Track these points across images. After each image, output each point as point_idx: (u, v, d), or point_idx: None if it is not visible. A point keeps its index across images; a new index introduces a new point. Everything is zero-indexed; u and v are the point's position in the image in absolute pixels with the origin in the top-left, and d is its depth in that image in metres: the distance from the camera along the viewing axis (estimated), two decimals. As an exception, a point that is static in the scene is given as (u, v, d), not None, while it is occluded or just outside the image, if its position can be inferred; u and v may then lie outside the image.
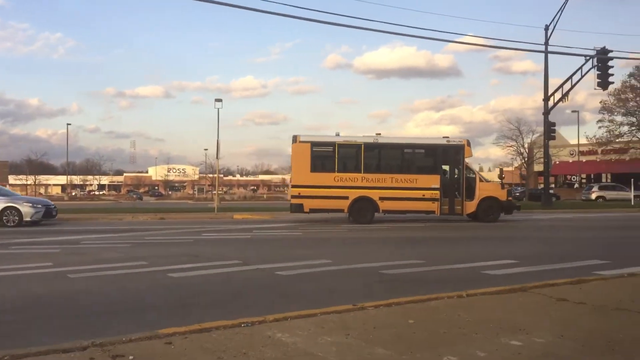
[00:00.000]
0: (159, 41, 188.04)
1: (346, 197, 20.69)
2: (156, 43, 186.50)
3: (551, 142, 35.06)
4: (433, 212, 21.03)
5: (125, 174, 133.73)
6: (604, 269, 9.32)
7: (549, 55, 32.32)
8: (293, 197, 21.22)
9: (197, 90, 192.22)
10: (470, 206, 21.22)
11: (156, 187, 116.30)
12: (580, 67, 30.08)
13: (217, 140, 30.71)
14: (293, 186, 21.12)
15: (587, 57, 28.63)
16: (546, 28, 31.81)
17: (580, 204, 39.71)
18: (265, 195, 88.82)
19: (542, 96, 32.18)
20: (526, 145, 55.15)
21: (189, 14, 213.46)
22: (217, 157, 32.02)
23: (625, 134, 47.99)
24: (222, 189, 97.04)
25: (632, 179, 38.72)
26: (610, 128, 48.51)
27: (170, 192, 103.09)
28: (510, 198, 22.47)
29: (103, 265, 10.13)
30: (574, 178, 64.08)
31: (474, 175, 21.82)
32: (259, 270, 9.46)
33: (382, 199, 20.82)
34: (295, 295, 7.44)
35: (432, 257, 10.83)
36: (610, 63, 28.20)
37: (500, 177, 23.00)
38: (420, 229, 18.82)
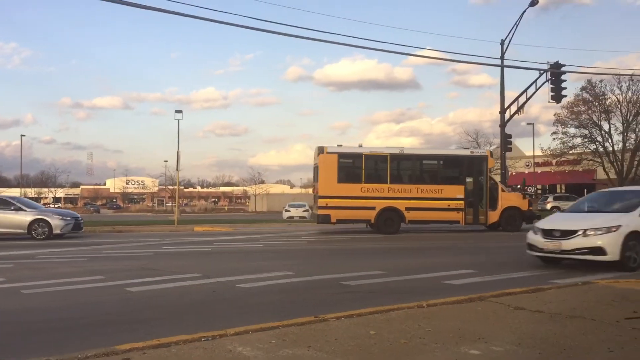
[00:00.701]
0: (117, 52, 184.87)
1: (373, 208, 20.85)
2: (114, 53, 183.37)
3: (508, 154, 35.83)
4: (458, 222, 21.38)
5: (82, 187, 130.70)
6: (559, 277, 9.57)
7: (505, 69, 33.09)
8: (320, 207, 21.07)
9: (156, 102, 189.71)
10: (493, 216, 21.62)
11: (114, 200, 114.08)
12: (535, 81, 30.88)
13: (178, 152, 30.37)
14: (320, 197, 20.95)
15: (541, 71, 29.43)
16: (502, 43, 32.60)
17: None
18: (226, 207, 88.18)
19: (498, 109, 32.86)
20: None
21: (146, 24, 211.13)
22: (177, 169, 31.63)
23: (578, 145, 49.36)
24: (183, 201, 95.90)
25: (585, 189, 39.88)
26: (563, 140, 49.81)
27: (129, 205, 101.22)
28: (530, 208, 22.85)
29: (58, 280, 9.85)
30: (529, 188, 65.59)
31: (496, 186, 22.22)
32: (220, 283, 9.36)
33: (408, 209, 21.00)
34: (257, 308, 7.38)
35: (393, 268, 10.91)
36: (563, 77, 29.09)
37: (523, 187, 23.54)
38: (384, 239, 18.94)
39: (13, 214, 20.14)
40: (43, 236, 19.80)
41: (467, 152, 22.37)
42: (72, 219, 21.22)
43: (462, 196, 21.26)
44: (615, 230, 10.15)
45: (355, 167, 21.38)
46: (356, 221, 21.81)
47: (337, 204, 20.69)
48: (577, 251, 10.35)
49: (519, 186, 24.04)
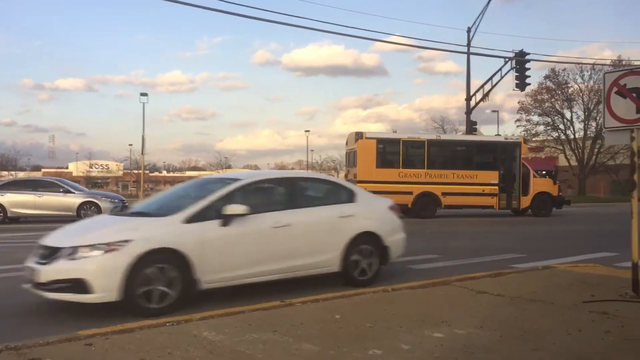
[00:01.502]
0: (81, 33, 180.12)
1: (410, 193, 21.14)
2: (77, 35, 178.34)
3: (473, 141, 36.33)
4: (492, 206, 21.92)
5: (43, 170, 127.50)
6: (520, 262, 9.79)
7: (471, 56, 33.41)
8: None
9: (121, 84, 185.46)
10: (525, 201, 22.14)
11: (77, 184, 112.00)
12: (500, 69, 31.29)
13: (143, 136, 29.98)
14: (359, 182, 20.73)
15: (506, 59, 29.87)
16: (468, 30, 32.89)
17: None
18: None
19: (464, 96, 33.24)
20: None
21: (111, 5, 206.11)
22: (142, 153, 31.23)
23: (541, 133, 50.39)
24: (148, 185, 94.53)
25: (547, 176, 40.67)
26: (527, 127, 50.75)
27: (92, 189, 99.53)
28: (560, 193, 23.44)
29: (19, 265, 9.62)
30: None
31: (528, 171, 22.62)
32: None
33: (444, 194, 21.38)
34: (222, 293, 7.35)
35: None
36: (527, 65, 29.55)
37: (555, 173, 24.15)
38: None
39: (62, 197, 20.04)
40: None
41: (501, 139, 23.01)
42: (119, 201, 21.12)
43: (496, 181, 21.84)
44: (116, 250, 6.02)
45: (393, 152, 21.70)
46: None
47: (376, 189, 20.68)
48: (55, 285, 6.02)
49: (552, 172, 24.70)
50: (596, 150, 47.50)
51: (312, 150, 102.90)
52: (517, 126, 52.05)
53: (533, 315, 5.55)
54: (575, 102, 49.31)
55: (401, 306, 5.88)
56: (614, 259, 9.83)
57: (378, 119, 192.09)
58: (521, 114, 51.99)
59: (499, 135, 23.15)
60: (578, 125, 49.43)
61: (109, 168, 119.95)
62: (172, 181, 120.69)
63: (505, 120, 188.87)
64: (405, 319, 5.33)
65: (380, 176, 21.04)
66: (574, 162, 48.63)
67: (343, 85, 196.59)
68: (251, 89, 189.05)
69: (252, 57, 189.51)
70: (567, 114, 49.95)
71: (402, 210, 22.07)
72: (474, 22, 33.00)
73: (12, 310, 6.44)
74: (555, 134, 49.96)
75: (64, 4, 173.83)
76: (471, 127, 34.65)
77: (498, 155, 22.65)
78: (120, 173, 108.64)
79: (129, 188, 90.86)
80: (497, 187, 21.82)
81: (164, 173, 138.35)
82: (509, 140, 23.33)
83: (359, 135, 21.60)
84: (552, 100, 50.13)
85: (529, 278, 7.68)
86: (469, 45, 32.53)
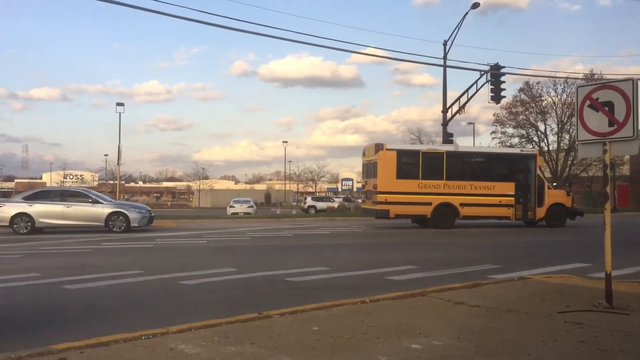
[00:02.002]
0: (56, 42, 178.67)
1: (429, 203, 21.42)
2: (52, 44, 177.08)
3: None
4: (508, 217, 22.22)
5: (16, 180, 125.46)
6: (496, 273, 9.88)
7: (447, 69, 33.80)
8: (379, 203, 21.36)
9: (97, 94, 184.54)
10: (540, 212, 22.39)
11: (103, 194, 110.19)
12: (476, 82, 31.66)
13: (119, 146, 29.65)
14: (379, 192, 21.32)
15: (482, 72, 30.25)
16: (445, 43, 33.27)
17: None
18: (169, 203, 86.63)
19: (440, 108, 33.52)
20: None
21: (87, 14, 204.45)
22: (118, 163, 30.89)
23: (516, 145, 51.09)
24: (124, 196, 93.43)
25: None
26: (502, 139, 51.45)
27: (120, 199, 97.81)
28: (573, 204, 23.82)
29: (-10, 278, 9.44)
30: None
31: (543, 183, 22.98)
32: (162, 280, 9.20)
33: (462, 205, 21.64)
34: (200, 305, 7.30)
35: (337, 264, 10.99)
36: (502, 78, 29.97)
37: (568, 184, 24.93)
38: (324, 236, 19.04)
39: (91, 207, 20.06)
40: (121, 229, 19.73)
41: (517, 151, 23.55)
42: (146, 211, 21.23)
43: (513, 193, 22.19)
44: None
45: (412, 163, 21.92)
46: (413, 216, 22.47)
47: (396, 200, 21.26)
48: None
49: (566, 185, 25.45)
50: (569, 162, 48.30)
51: (290, 161, 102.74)
52: (493, 138, 52.74)
53: (509, 325, 5.61)
54: (549, 115, 50.15)
55: (379, 317, 5.89)
56: (587, 270, 9.98)
57: (356, 130, 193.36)
58: (496, 126, 52.71)
59: (516, 147, 23.99)
60: (552, 138, 50.30)
61: (83, 178, 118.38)
62: (148, 192, 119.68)
63: (481, 133, 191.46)
64: (383, 330, 5.34)
65: (400, 187, 21.37)
66: (547, 174, 49.37)
67: (321, 96, 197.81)
68: (229, 100, 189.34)
69: (229, 68, 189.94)
70: (541, 127, 50.78)
71: (421, 221, 22.61)
72: (450, 36, 33.38)
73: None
74: (529, 146, 50.72)
75: (38, 12, 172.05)
76: (447, 139, 34.96)
77: (514, 167, 23.07)
78: (96, 184, 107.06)
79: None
80: (513, 199, 22.20)
81: (140, 184, 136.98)
82: (525, 152, 24.06)
83: (379, 147, 21.93)
84: (527, 112, 50.92)
85: (505, 289, 7.75)
86: (445, 58, 32.90)
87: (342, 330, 5.32)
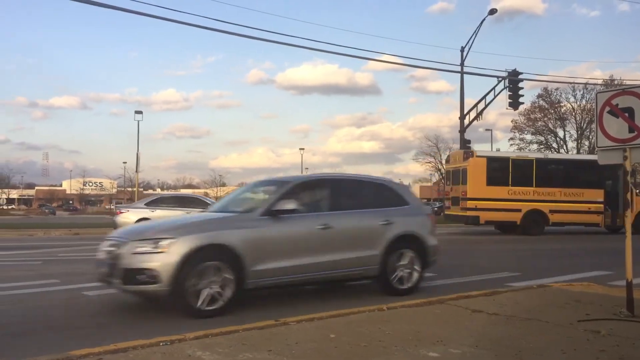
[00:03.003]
0: (75, 51, 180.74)
1: (519, 210, 21.55)
2: (72, 53, 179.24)
3: (467, 159, 36.48)
4: (597, 224, 22.37)
5: (37, 188, 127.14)
6: (515, 280, 9.79)
7: (464, 75, 33.66)
8: (469, 209, 21.61)
9: (115, 102, 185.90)
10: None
11: (71, 202, 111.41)
12: (493, 88, 31.52)
13: (137, 153, 29.96)
14: (469, 199, 21.56)
15: (500, 79, 30.11)
16: (462, 50, 33.17)
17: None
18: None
19: (456, 115, 33.44)
20: (444, 162, 57.16)
21: (106, 23, 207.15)
22: (136, 170, 31.22)
23: (534, 151, 50.73)
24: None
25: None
26: (520, 146, 51.11)
27: (86, 207, 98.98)
28: None
29: (11, 283, 9.55)
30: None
31: (631, 190, 22.45)
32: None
33: (551, 211, 21.80)
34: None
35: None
36: (520, 84, 29.78)
37: None
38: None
39: None
40: None
41: None
42: None
43: (602, 199, 22.23)
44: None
45: (502, 170, 22.05)
46: (502, 222, 22.47)
47: (486, 206, 21.47)
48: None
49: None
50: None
51: (307, 169, 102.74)
52: (511, 144, 52.46)
53: (528, 334, 5.54)
54: (568, 121, 49.77)
55: (396, 325, 5.85)
56: (609, 278, 9.84)
57: (372, 137, 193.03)
58: (514, 132, 52.44)
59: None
60: (571, 144, 49.88)
61: (102, 186, 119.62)
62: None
63: (498, 139, 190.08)
64: (400, 338, 5.31)
65: (490, 194, 21.52)
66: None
67: (337, 103, 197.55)
68: (245, 107, 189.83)
69: (246, 76, 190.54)
70: (560, 133, 50.39)
71: (505, 227, 22.52)
72: (467, 42, 33.28)
73: (7, 329, 6.37)
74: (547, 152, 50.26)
75: (58, 22, 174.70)
76: (465, 145, 34.79)
77: (602, 174, 22.78)
78: (114, 191, 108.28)
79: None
80: (602, 205, 22.17)
81: (158, 191, 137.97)
82: None
83: (469, 154, 22.24)
84: (545, 119, 50.57)
85: (524, 296, 7.67)
86: (462, 64, 32.79)
87: (359, 338, 5.30)
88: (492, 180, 21.88)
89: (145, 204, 21.10)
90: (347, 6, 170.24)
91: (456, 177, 23.18)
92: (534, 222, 21.86)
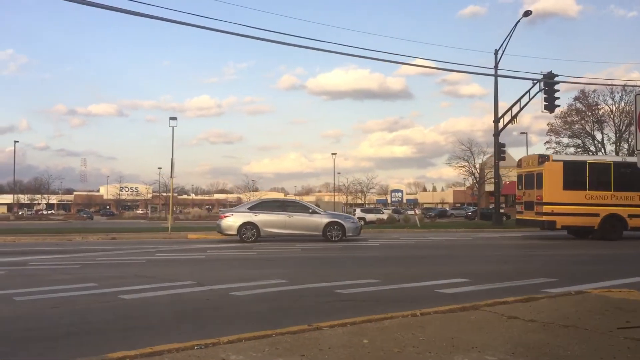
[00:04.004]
0: (112, 59, 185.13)
1: (596, 215, 21.25)
2: (109, 61, 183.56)
3: (501, 163, 35.99)
4: None
5: (75, 193, 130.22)
6: (552, 286, 9.58)
7: (498, 78, 33.23)
8: (545, 214, 21.44)
9: (150, 109, 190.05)
10: None
11: (108, 207, 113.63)
12: (528, 91, 31.07)
13: (172, 159, 30.31)
14: (545, 204, 21.46)
15: (535, 81, 29.64)
16: (496, 52, 32.80)
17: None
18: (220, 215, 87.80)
19: (489, 118, 33.18)
20: (477, 166, 56.43)
21: (141, 32, 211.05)
22: (171, 176, 31.54)
23: (611, 155, 49.68)
24: (177, 208, 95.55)
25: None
26: (557, 149, 50.09)
27: (122, 212, 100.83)
28: None
29: (51, 287, 9.79)
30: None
31: None
32: (213, 291, 9.33)
33: (630, 216, 21.43)
34: (250, 316, 7.37)
35: (388, 277, 10.90)
36: (556, 87, 29.25)
37: None
38: (374, 248, 18.92)
39: (309, 217, 21.31)
40: (337, 238, 20.81)
41: None
42: (357, 221, 22.72)
43: None
44: None
45: (579, 174, 21.74)
46: (579, 228, 22.21)
47: (562, 211, 21.25)
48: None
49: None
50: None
51: (339, 173, 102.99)
52: (547, 148, 51.46)
53: (566, 341, 5.42)
54: (606, 124, 48.58)
55: (430, 331, 5.80)
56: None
57: (404, 142, 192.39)
58: (550, 135, 51.45)
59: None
60: (609, 147, 48.63)
61: (138, 191, 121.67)
62: (200, 204, 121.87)
63: (533, 143, 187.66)
64: (434, 345, 5.25)
65: (567, 198, 21.24)
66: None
67: (368, 108, 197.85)
68: (277, 113, 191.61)
69: (277, 82, 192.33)
70: (598, 136, 49.23)
71: (580, 232, 22.25)
72: (501, 45, 32.93)
73: (47, 332, 6.52)
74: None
75: (95, 31, 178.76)
76: (499, 149, 34.34)
77: None
78: (150, 196, 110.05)
79: (158, 211, 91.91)
80: None
81: (192, 196, 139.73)
82: None
83: (544, 158, 21.93)
84: (582, 121, 49.50)
85: (561, 303, 7.51)
86: (496, 67, 32.41)
87: (392, 344, 5.26)
88: (568, 185, 21.42)
89: (248, 208, 21.87)
90: (378, 11, 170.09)
91: (529, 181, 22.77)
92: (612, 227, 21.34)
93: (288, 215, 21.22)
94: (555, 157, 22.42)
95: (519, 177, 23.90)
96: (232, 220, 21.14)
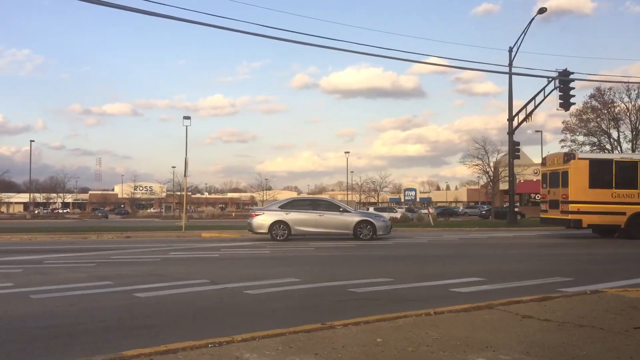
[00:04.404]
0: (126, 59, 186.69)
1: (623, 213, 21.20)
2: (123, 61, 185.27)
3: (515, 161, 35.76)
4: None
5: (90, 192, 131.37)
6: (567, 286, 9.50)
7: (512, 76, 33.00)
8: (571, 212, 21.44)
9: (164, 109, 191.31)
10: None
11: (122, 205, 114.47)
12: (543, 89, 30.84)
13: (186, 158, 30.46)
14: (571, 202, 21.47)
15: (550, 79, 29.40)
16: (510, 50, 32.57)
17: (544, 221, 40.25)
18: (233, 213, 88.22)
19: (504, 117, 32.84)
20: (491, 164, 56.09)
21: (155, 32, 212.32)
22: (185, 175, 31.72)
23: (637, 153, 49.20)
24: (190, 207, 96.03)
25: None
26: (572, 148, 49.69)
27: (137, 210, 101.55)
28: None
29: (66, 285, 9.89)
30: (538, 196, 65.25)
31: None
32: (227, 290, 9.37)
33: None
34: (263, 315, 7.39)
35: (400, 276, 10.88)
36: (571, 85, 29.00)
37: None
38: (387, 247, 18.89)
39: (340, 216, 21.39)
40: (367, 237, 20.86)
41: None
42: (387, 220, 22.70)
43: None
44: None
45: (605, 172, 21.67)
46: (605, 226, 22.14)
47: (589, 209, 21.19)
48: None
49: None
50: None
51: (352, 172, 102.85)
52: (562, 146, 51.10)
53: (581, 341, 5.37)
54: (622, 122, 48.08)
55: (444, 330, 5.77)
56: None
57: (417, 140, 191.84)
58: (566, 134, 51.07)
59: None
60: (626, 145, 48.14)
61: (152, 190, 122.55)
62: (213, 203, 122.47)
63: (548, 141, 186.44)
64: (448, 344, 5.23)
65: (593, 196, 21.16)
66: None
67: (381, 107, 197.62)
68: (290, 112, 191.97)
69: (290, 81, 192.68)
70: (614, 134, 48.75)
71: (611, 231, 22.09)
72: (516, 42, 32.69)
73: (63, 330, 6.58)
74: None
75: (109, 32, 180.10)
76: (514, 147, 34.11)
77: None
78: (164, 195, 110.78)
79: (172, 209, 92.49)
80: None
81: (206, 195, 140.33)
82: None
83: (570, 156, 21.90)
84: (598, 119, 49.05)
85: (576, 302, 7.44)
86: (510, 65, 32.21)
87: (406, 343, 5.25)
88: (594, 183, 21.29)
89: (279, 207, 21.94)
90: (390, 10, 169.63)
91: (554, 179, 22.64)
92: (638, 225, 21.17)
93: (319, 213, 21.28)
94: (581, 155, 22.27)
95: (544, 175, 23.71)
96: (263, 219, 21.22)
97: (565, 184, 21.66)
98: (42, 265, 13.41)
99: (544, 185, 23.71)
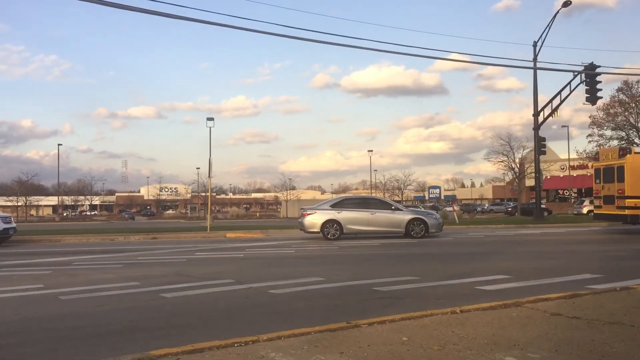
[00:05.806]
0: (151, 63, 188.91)
1: None
2: (148, 64, 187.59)
3: (542, 157, 35.28)
4: None
5: (117, 194, 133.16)
6: (597, 283, 9.34)
7: (537, 71, 32.54)
8: (628, 208, 21.37)
9: (188, 111, 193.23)
10: None
11: (148, 207, 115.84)
12: (569, 83, 30.37)
13: (210, 159, 30.72)
14: (628, 197, 21.35)
15: (576, 73, 28.94)
16: (534, 45, 32.12)
17: (571, 218, 39.81)
18: (258, 213, 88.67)
19: (528, 112, 32.61)
20: (517, 161, 55.42)
21: (178, 35, 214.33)
22: (209, 176, 31.96)
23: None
24: (215, 207, 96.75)
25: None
26: (600, 142, 48.88)
27: (162, 212, 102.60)
28: None
29: (95, 286, 10.04)
30: (566, 192, 64.36)
31: None
32: (252, 289, 9.41)
33: None
34: (289, 314, 7.40)
35: (426, 273, 10.81)
36: (597, 78, 28.50)
37: None
38: (412, 245, 18.79)
39: (392, 214, 21.46)
40: (420, 235, 20.91)
41: None
42: (440, 219, 22.61)
43: None
44: None
45: None
46: None
47: None
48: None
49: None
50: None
51: (376, 170, 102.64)
52: (589, 141, 50.29)
53: (612, 338, 5.27)
54: (651, 115, 47.11)
55: (471, 328, 5.72)
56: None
57: (440, 138, 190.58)
58: (593, 128, 50.26)
59: None
60: (655, 139, 47.17)
61: (177, 191, 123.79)
62: (237, 203, 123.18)
63: (574, 136, 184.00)
64: (474, 342, 5.18)
65: None
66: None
67: (403, 105, 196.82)
68: (312, 112, 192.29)
69: (312, 81, 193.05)
70: (643, 127, 47.76)
71: None
72: (540, 36, 32.26)
73: (91, 330, 6.68)
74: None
75: (134, 36, 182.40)
76: (540, 143, 33.66)
77: None
78: (189, 196, 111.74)
79: (197, 210, 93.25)
80: None
81: (230, 195, 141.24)
82: None
83: (626, 151, 21.76)
84: (626, 113, 48.15)
85: (606, 299, 7.31)
86: (535, 59, 31.77)
87: (432, 341, 5.22)
88: None
89: (330, 206, 21.93)
90: (410, 7, 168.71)
91: (609, 174, 22.30)
92: None
93: (370, 212, 21.20)
94: (637, 149, 21.90)
95: (597, 170, 23.33)
96: (315, 218, 21.23)
97: (621, 179, 21.35)
98: (70, 266, 13.63)
99: (597, 181, 23.28)
